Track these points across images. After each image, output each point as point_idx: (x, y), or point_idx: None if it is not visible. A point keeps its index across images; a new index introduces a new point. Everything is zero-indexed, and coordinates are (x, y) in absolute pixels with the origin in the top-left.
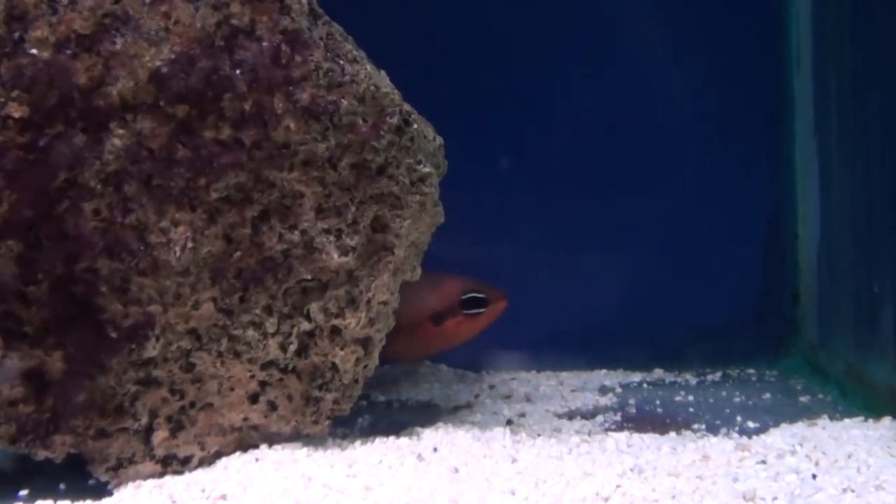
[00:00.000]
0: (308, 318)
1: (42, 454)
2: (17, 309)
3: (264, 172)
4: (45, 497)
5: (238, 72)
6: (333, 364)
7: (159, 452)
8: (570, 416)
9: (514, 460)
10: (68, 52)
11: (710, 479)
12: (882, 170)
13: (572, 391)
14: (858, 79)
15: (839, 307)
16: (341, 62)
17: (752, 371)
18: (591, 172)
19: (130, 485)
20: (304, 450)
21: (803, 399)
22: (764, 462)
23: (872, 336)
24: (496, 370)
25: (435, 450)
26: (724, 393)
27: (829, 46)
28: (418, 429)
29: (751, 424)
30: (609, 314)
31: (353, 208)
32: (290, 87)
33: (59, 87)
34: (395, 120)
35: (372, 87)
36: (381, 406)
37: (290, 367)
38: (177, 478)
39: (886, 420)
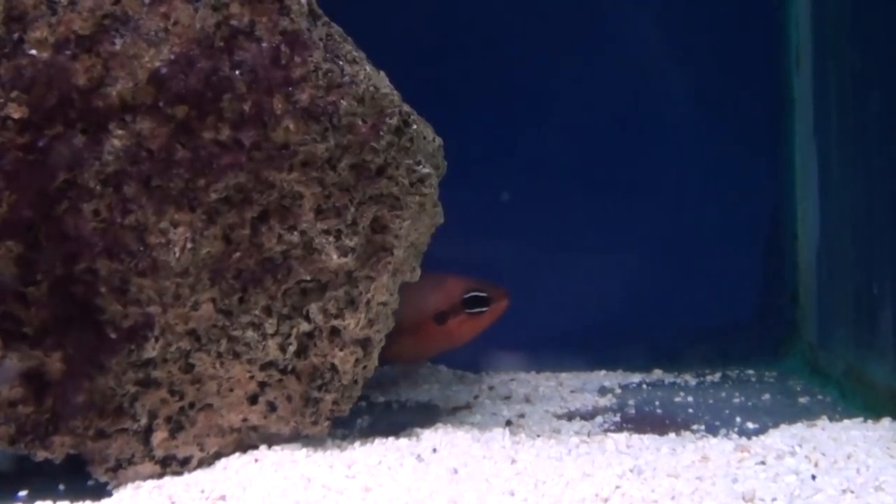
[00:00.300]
0: (307, 318)
1: (41, 455)
2: (17, 309)
3: (264, 173)
4: (44, 498)
5: (237, 72)
6: (333, 365)
7: (159, 453)
8: (570, 416)
9: (513, 461)
10: (68, 52)
11: (710, 479)
12: (882, 170)
13: (571, 392)
14: (858, 79)
15: (839, 308)
16: (341, 63)
17: (751, 372)
18: (591, 173)
19: (130, 485)
20: (304, 450)
21: (803, 400)
22: (763, 463)
23: (872, 337)
24: (495, 371)
25: (434, 450)
26: (723, 394)
27: (828, 47)
28: (417, 430)
29: (750, 425)
30: (608, 315)
31: (352, 209)
32: (290, 88)
33: (59, 88)
34: (394, 121)
35: (371, 88)
36: (381, 407)
37: (290, 367)
38: (176, 478)
39: (886, 421)
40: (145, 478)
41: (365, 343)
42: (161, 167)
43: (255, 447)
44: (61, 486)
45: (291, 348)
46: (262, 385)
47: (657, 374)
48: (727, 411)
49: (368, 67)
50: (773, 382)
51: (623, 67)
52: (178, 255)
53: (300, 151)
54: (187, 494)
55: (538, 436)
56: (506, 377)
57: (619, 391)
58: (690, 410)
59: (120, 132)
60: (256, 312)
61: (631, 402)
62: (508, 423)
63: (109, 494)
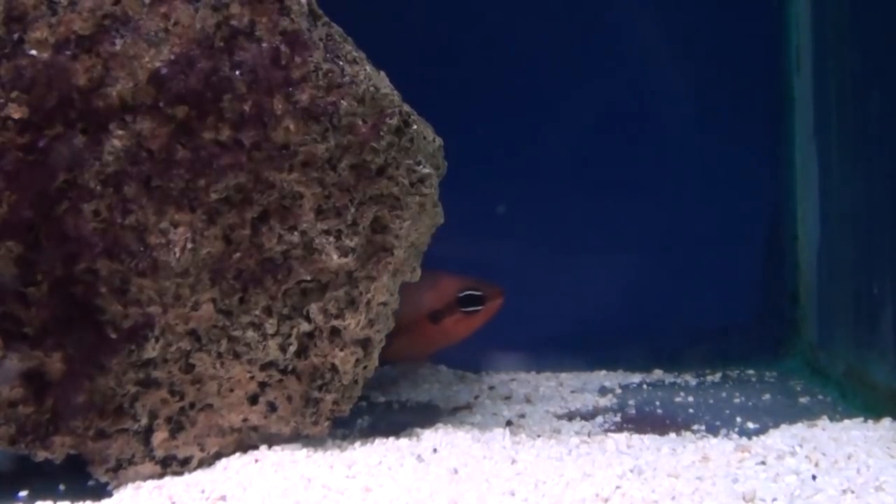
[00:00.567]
0: (308, 318)
1: (42, 455)
2: (17, 310)
3: (264, 173)
4: (44, 498)
5: (237, 73)
6: (333, 365)
7: (159, 453)
8: (570, 417)
9: (513, 461)
10: (68, 52)
11: (710, 480)
12: (882, 171)
13: (572, 392)
14: (858, 80)
15: (839, 308)
16: (341, 63)
17: (751, 372)
18: (591, 173)
19: (130, 486)
20: (304, 451)
21: (803, 400)
22: (764, 463)
23: (872, 337)
24: (496, 371)
25: (434, 451)
26: (723, 394)
27: (829, 47)
28: (418, 430)
29: (750, 425)
30: (609, 315)
31: (352, 209)
32: (290, 88)
33: (59, 88)
34: (394, 121)
35: (371, 88)
36: (381, 407)
37: (290, 367)
38: (176, 479)
39: (886, 421)
40: (146, 478)
41: (365, 343)
42: (161, 167)
43: (256, 447)
44: (62, 487)
45: (292, 348)
46: (263, 385)
47: (657, 374)
48: (727, 411)
49: (368, 67)
50: (773, 382)
51: (623, 67)
52: (178, 255)
53: (300, 151)
54: (187, 494)
55: (538, 436)
56: (506, 377)
57: (619, 391)
58: (691, 410)
59: (120, 132)
60: (257, 313)
61: (631, 402)
62: (509, 423)
63: (110, 495)
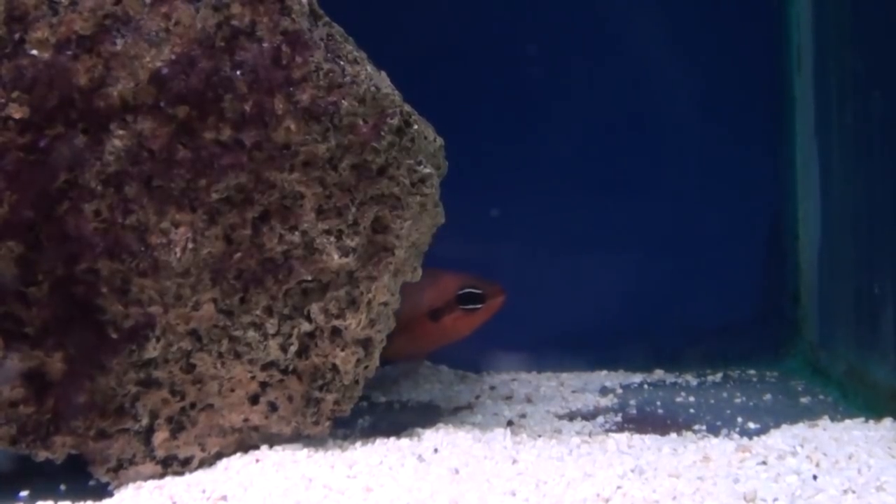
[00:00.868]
0: (308, 318)
1: (42, 455)
2: (18, 310)
3: (265, 173)
4: (45, 498)
5: (238, 73)
6: (334, 365)
7: (160, 453)
8: (571, 417)
9: (514, 461)
10: (69, 52)
11: (711, 480)
12: (883, 171)
13: (573, 392)
14: (859, 80)
15: (840, 308)
16: (342, 63)
17: (752, 372)
18: (592, 173)
19: (131, 486)
20: (305, 451)
21: (804, 400)
22: (765, 463)
23: (873, 337)
24: (497, 371)
25: (435, 451)
26: (724, 394)
27: (829, 47)
28: (419, 430)
29: (751, 425)
30: (610, 315)
31: (353, 209)
32: (291, 88)
33: (60, 88)
34: (395, 121)
35: (372, 88)
36: (382, 407)
37: (291, 367)
38: (177, 479)
39: (887, 421)
40: (146, 478)
41: (366, 343)
42: (162, 167)
43: (257, 447)
44: (62, 487)
45: (292, 348)
46: (264, 385)
47: (658, 374)
48: (728, 411)
49: (369, 67)
50: (774, 382)
51: (624, 67)
52: (179, 255)
53: (301, 151)
54: (188, 494)
55: (539, 436)
56: (507, 377)
57: (620, 391)
58: (692, 410)
59: (121, 132)
60: (257, 312)
61: (632, 402)
62: (510, 423)
63: (111, 494)
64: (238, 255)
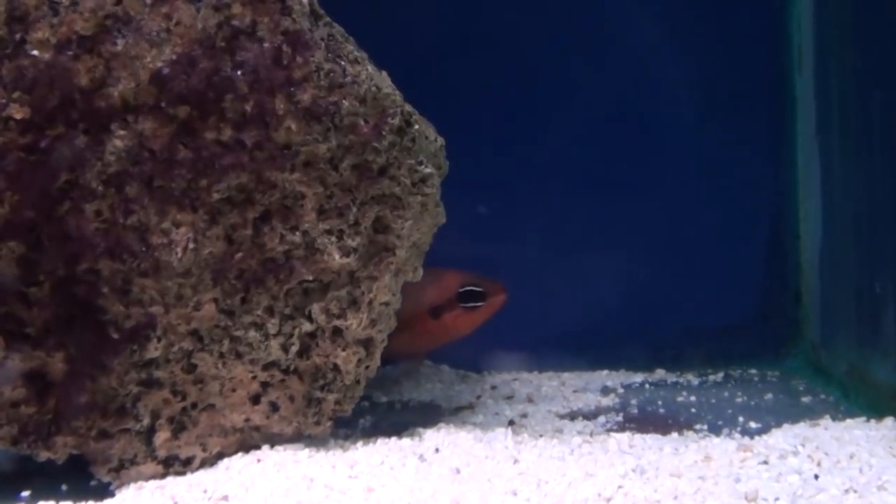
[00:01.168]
0: (310, 318)
1: (44, 455)
2: (19, 310)
3: (265, 173)
4: (46, 498)
5: (239, 73)
6: (335, 365)
7: (161, 453)
8: (572, 416)
9: (515, 461)
10: (69, 53)
11: (712, 479)
12: (884, 170)
13: (574, 392)
14: (860, 79)
15: (841, 307)
16: (342, 63)
17: (754, 371)
18: (594, 173)
19: (132, 486)
20: (306, 451)
21: (805, 399)
22: (766, 463)
23: (874, 336)
24: (498, 371)
25: (437, 450)
26: (726, 393)
27: (830, 47)
28: (420, 429)
29: (753, 425)
30: (611, 315)
31: (354, 209)
32: (292, 88)
33: (61, 89)
34: (396, 121)
35: (373, 88)
36: (383, 407)
37: (292, 367)
38: (179, 479)
39: (889, 420)
40: (148, 478)
41: (367, 343)
42: (163, 167)
43: (258, 447)
44: (64, 487)
45: (294, 348)
46: (265, 385)
47: (660, 373)
48: (730, 411)
49: (370, 67)
50: (775, 382)
51: (625, 67)
52: (180, 255)
53: (302, 151)
54: (190, 494)
55: (541, 435)
56: (508, 377)
57: (621, 391)
58: (693, 410)
59: (122, 132)
60: (259, 313)
61: (633, 401)
62: (511, 422)
63: (112, 495)
64: (239, 255)
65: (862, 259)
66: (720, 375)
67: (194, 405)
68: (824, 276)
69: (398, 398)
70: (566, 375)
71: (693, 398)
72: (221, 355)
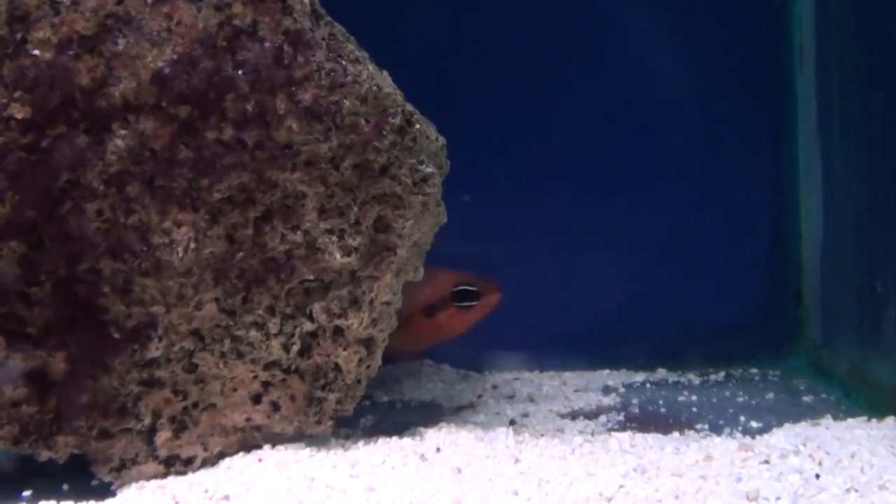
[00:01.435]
0: (311, 318)
1: (45, 455)
2: (20, 310)
3: (266, 173)
4: (47, 498)
5: (240, 72)
6: (336, 364)
7: (162, 453)
8: (574, 416)
9: (517, 460)
10: (70, 52)
11: (714, 479)
12: (885, 169)
13: (575, 391)
14: (861, 78)
15: (842, 307)
16: (343, 62)
17: (755, 371)
18: (595, 172)
19: (133, 485)
20: (307, 450)
21: (806, 399)
22: (767, 462)
23: (876, 335)
24: (499, 370)
25: (438, 450)
26: (727, 393)
27: (832, 46)
28: (421, 429)
29: (754, 424)
30: (612, 314)
31: (355, 208)
32: (293, 88)
33: (62, 88)
34: (397, 120)
35: (374, 88)
36: (384, 406)
37: (293, 367)
38: (180, 478)
39: (890, 420)
40: (149, 477)
41: (368, 342)
42: (164, 167)
43: (259, 447)
44: (65, 486)
45: (295, 348)
46: (266, 385)
47: (661, 373)
48: (731, 410)
49: (371, 67)
50: (776, 381)
51: (626, 66)
52: (181, 254)
53: (303, 151)
54: (191, 494)
55: (542, 435)
56: (509, 376)
57: (622, 390)
58: (694, 409)
59: (123, 132)
60: (260, 312)
61: (634, 401)
62: (512, 422)
63: (113, 494)
64: (240, 254)
65: (863, 258)
66: (721, 375)
67: (195, 405)
68: (825, 275)
69: (399, 397)
70: (567, 375)
71: (694, 397)
72: (222, 355)
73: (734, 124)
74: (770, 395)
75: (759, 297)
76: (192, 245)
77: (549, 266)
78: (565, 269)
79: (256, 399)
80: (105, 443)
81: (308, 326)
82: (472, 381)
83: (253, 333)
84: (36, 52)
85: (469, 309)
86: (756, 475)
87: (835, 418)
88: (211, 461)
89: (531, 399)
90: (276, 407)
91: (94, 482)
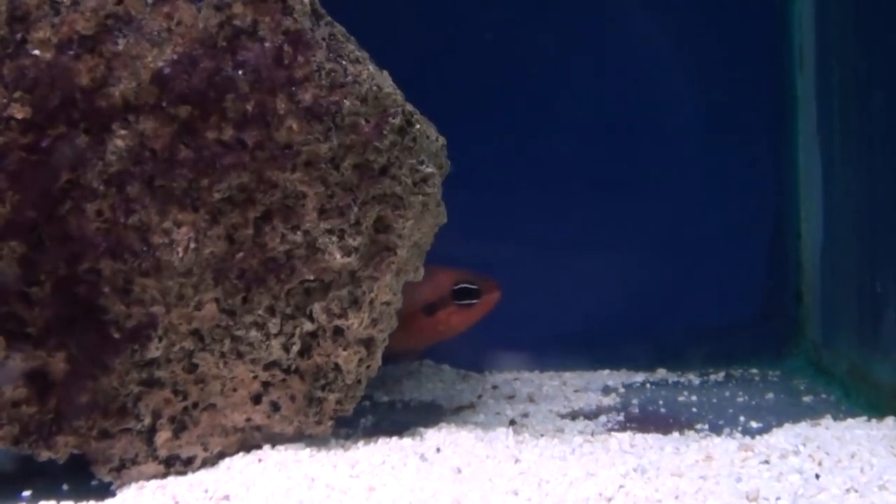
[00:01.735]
0: (311, 318)
1: (45, 455)
2: (20, 310)
3: (267, 173)
4: (47, 498)
5: (240, 72)
6: (336, 364)
7: (162, 453)
8: (574, 416)
9: (517, 460)
10: (70, 52)
11: (714, 479)
12: (885, 169)
13: (575, 391)
14: (861, 78)
15: (842, 307)
16: (343, 63)
17: (755, 371)
18: (595, 172)
19: (133, 485)
20: (307, 450)
21: (806, 399)
22: (767, 462)
23: (876, 335)
24: (499, 370)
25: (438, 450)
26: (727, 393)
27: (832, 46)
28: (421, 429)
29: (754, 424)
30: (612, 314)
31: (355, 209)
32: (293, 88)
33: (62, 88)
34: (397, 120)
35: (374, 88)
36: (384, 406)
37: (293, 367)
38: (180, 478)
39: (890, 420)
40: (149, 478)
41: (368, 343)
42: (164, 167)
43: (259, 447)
44: (65, 486)
45: (295, 348)
46: (266, 385)
47: (661, 373)
48: (731, 410)
49: (371, 67)
50: (776, 381)
51: (626, 66)
52: (181, 255)
53: (303, 151)
54: (191, 494)
55: (542, 435)
56: (509, 376)
57: (622, 390)
58: (694, 409)
59: (123, 132)
60: (260, 312)
61: (634, 401)
62: (512, 422)
63: (113, 494)
64: (240, 254)
65: (863, 258)
66: (721, 375)
67: (195, 405)
68: (825, 275)
69: (399, 398)
70: (567, 375)
71: (694, 398)
72: (223, 355)
73: (734, 124)
74: (770, 396)
75: (759, 297)
76: (193, 245)
77: (549, 266)
78: (565, 269)
79: (256, 399)
80: (105, 443)
81: (308, 326)
82: (472, 381)
83: (253, 333)
84: (36, 52)
85: (469, 307)
86: (756, 475)
87: (835, 418)
88: (211, 461)
89: (531, 399)
90: (276, 407)
91: (93, 482)
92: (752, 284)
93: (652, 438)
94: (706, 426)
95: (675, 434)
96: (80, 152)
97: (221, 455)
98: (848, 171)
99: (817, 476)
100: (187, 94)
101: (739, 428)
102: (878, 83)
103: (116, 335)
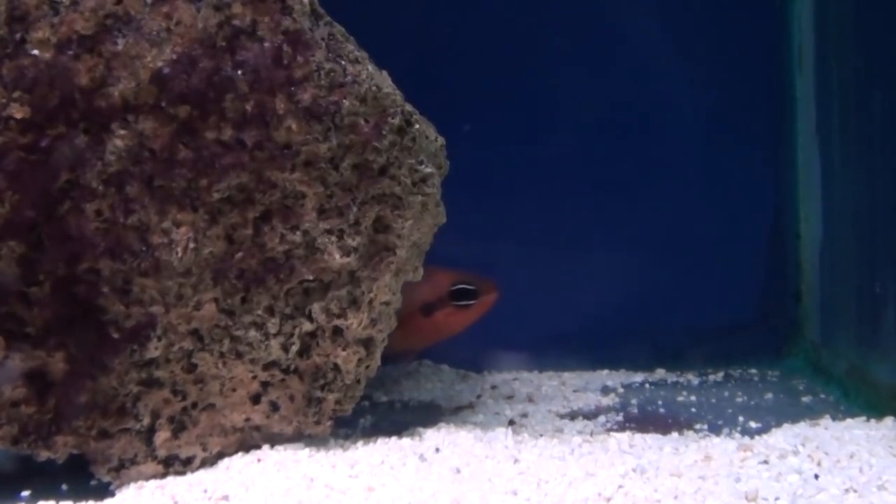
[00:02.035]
0: (310, 318)
1: (44, 455)
2: (19, 310)
3: (266, 173)
4: (47, 498)
5: (240, 72)
6: (335, 364)
7: (161, 453)
8: (573, 416)
9: (516, 461)
10: (70, 52)
11: (713, 479)
12: (884, 169)
13: (574, 391)
14: (861, 78)
15: (841, 307)
16: (343, 63)
17: (754, 371)
18: (594, 172)
19: (132, 485)
20: (307, 450)
21: (805, 399)
22: (766, 462)
23: (875, 336)
24: (498, 370)
25: (437, 450)
26: (726, 393)
27: (831, 46)
28: (420, 429)
29: (753, 424)
30: (611, 314)
31: (354, 209)
32: (292, 88)
33: (61, 88)
34: (396, 120)
35: (374, 88)
36: (383, 406)
37: (292, 367)
38: (179, 478)
39: (889, 420)
40: (148, 478)
41: (367, 343)
42: (163, 167)
43: (258, 447)
44: (64, 487)
45: (294, 348)
46: (265, 385)
47: (660, 373)
48: (730, 410)
49: (371, 67)
50: (775, 381)
51: (625, 66)
52: (180, 255)
53: (302, 151)
54: (190, 494)
55: (541, 435)
56: (508, 376)
57: (621, 390)
58: (693, 410)
59: (122, 132)
60: (259, 312)
61: (634, 401)
62: (511, 422)
63: (112, 494)
64: (239, 254)
65: (862, 258)
66: (720, 375)
67: (194, 405)
68: (824, 275)
69: (398, 398)
70: (566, 375)
71: (693, 398)
72: (222, 355)
73: (734, 124)
74: (769, 396)
75: (758, 297)
76: (192, 245)
77: (548, 266)
78: (565, 269)
79: (255, 399)
80: (104, 443)
81: (307, 326)
82: (471, 381)
83: (252, 333)
84: (35, 52)
85: (466, 308)
86: (755, 475)
87: (834, 419)
88: (210, 461)
89: (530, 399)
90: (275, 407)
91: (93, 482)
92: (751, 284)
93: (651, 438)
94: (705, 426)
95: (674, 434)
96: (79, 152)
97: (220, 455)
98: (847, 172)
99: (816, 476)
100: (186, 93)
101: (738, 428)
102: (878, 83)
103: (116, 335)
